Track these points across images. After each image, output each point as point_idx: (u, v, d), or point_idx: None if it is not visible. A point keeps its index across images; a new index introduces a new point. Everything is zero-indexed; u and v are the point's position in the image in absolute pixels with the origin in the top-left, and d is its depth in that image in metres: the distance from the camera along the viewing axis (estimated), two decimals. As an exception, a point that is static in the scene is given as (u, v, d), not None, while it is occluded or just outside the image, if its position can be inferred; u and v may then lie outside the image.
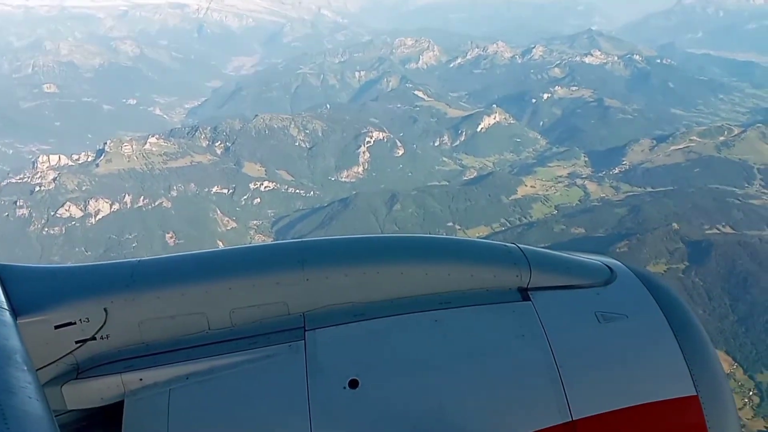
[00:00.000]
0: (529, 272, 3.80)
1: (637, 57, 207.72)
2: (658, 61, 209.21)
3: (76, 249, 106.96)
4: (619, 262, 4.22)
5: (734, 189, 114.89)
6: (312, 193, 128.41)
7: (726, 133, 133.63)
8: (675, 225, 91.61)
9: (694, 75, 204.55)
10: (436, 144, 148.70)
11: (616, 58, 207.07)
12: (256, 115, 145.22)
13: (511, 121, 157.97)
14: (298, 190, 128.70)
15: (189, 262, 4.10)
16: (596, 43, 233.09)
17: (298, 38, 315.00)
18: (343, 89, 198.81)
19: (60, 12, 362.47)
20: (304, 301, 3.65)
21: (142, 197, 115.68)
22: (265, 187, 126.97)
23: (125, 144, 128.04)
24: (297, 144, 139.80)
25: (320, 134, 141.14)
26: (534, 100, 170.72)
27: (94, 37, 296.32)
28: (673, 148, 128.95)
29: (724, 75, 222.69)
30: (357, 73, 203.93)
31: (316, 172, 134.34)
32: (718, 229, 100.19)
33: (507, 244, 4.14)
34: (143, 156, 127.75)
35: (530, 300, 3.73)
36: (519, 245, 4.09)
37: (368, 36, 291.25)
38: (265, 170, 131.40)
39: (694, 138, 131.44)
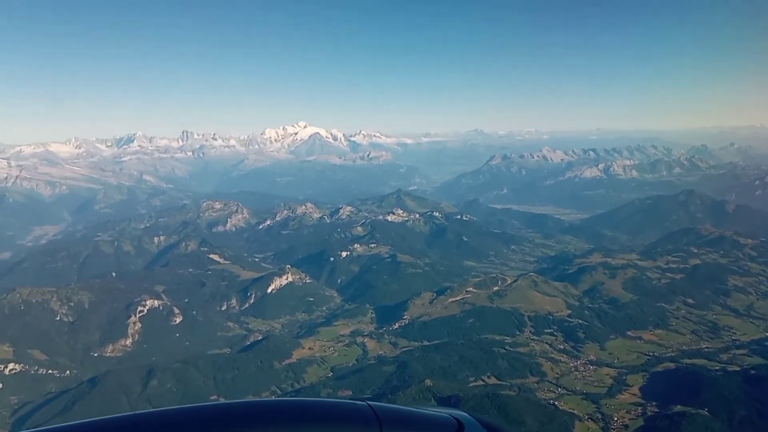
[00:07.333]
0: (379, 430, 3.81)
1: (437, 214, 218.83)
2: (457, 217, 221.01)
3: None
4: (466, 414, 4.25)
5: (505, 338, 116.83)
6: (68, 372, 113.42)
7: (500, 283, 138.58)
8: (428, 381, 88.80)
9: (489, 228, 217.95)
10: (223, 308, 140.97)
11: (417, 215, 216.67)
12: (14, 290, 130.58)
13: (308, 281, 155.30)
14: (51, 371, 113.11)
15: None
16: (402, 203, 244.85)
17: (110, 204, 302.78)
18: (139, 255, 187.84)
19: None
20: None
21: None
22: (10, 371, 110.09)
23: None
24: (58, 319, 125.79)
25: (87, 306, 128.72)
26: (332, 258, 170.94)
27: None
28: (450, 300, 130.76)
29: (522, 227, 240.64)
30: (156, 239, 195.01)
31: (77, 349, 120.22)
32: (483, 380, 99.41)
33: (357, 402, 4.05)
34: None
35: None
36: (369, 402, 4.04)
37: (187, 200, 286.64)
38: (14, 351, 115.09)
39: (470, 289, 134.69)
